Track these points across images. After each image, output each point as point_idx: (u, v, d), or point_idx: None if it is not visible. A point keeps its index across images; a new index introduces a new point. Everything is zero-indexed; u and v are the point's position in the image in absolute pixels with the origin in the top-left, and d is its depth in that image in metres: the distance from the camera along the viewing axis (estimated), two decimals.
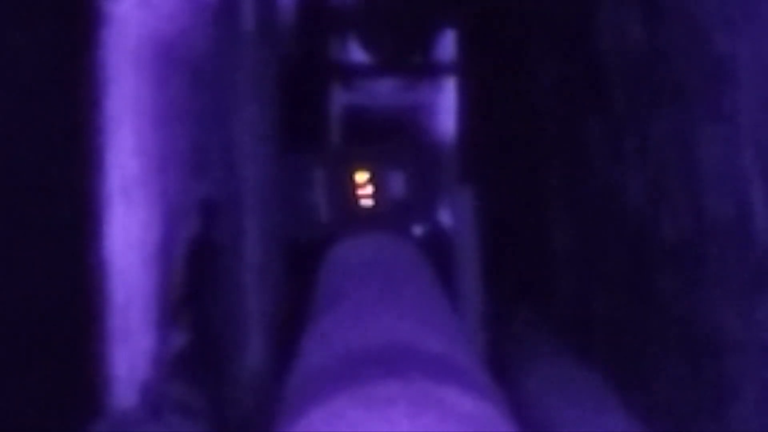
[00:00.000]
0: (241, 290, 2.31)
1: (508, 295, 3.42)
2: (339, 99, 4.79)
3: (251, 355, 2.31)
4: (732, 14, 1.79)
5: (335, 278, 2.08)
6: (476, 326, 2.98)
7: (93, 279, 2.05)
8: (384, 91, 4.98)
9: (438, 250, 3.01)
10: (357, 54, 4.82)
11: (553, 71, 3.16)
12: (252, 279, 2.33)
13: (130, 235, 2.08)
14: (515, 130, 3.69)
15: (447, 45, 4.74)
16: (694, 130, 1.98)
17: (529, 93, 3.50)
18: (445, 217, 3.29)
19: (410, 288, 1.81)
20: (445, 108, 4.75)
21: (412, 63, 4.83)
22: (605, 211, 2.59)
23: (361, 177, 3.25)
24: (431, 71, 4.86)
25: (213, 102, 2.38)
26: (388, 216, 3.21)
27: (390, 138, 4.55)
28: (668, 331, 2.16)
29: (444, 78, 4.81)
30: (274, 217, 2.52)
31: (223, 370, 2.29)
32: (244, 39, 2.47)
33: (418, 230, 3.23)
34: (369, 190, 3.25)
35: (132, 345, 2.21)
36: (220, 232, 2.26)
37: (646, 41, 2.27)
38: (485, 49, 4.22)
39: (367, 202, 3.24)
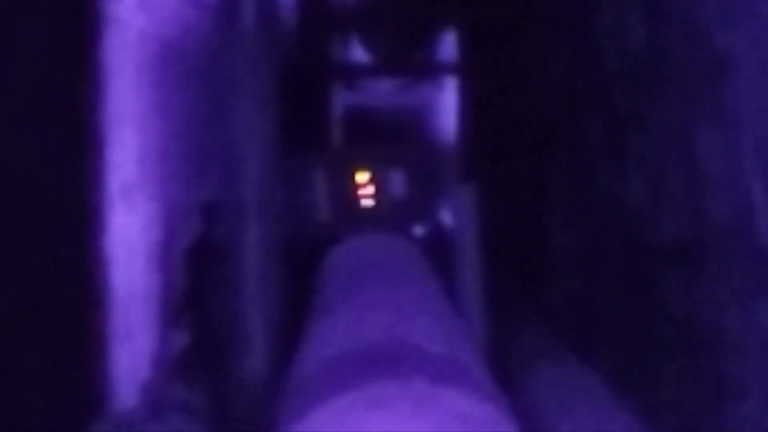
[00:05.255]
0: (241, 291, 2.31)
1: (508, 295, 3.42)
2: (340, 99, 4.79)
3: (252, 356, 2.31)
4: (732, 14, 1.79)
5: (336, 278, 2.08)
6: (477, 326, 2.98)
7: (94, 279, 2.05)
8: (385, 91, 4.99)
9: (439, 250, 3.01)
10: (358, 54, 4.82)
11: (554, 71, 3.16)
12: (253, 279, 2.33)
13: (130, 235, 2.08)
14: (516, 129, 3.69)
15: (447, 45, 4.74)
16: (695, 129, 1.98)
17: (530, 93, 3.50)
18: (445, 216, 3.29)
19: (411, 288, 1.80)
20: (446, 108, 4.75)
21: (413, 63, 4.84)
22: (606, 210, 2.59)
23: (362, 177, 3.25)
24: (432, 71, 4.86)
25: (214, 102, 2.38)
26: (389, 216, 3.21)
27: (391, 138, 4.55)
28: (669, 330, 2.16)
29: (444, 78, 4.81)
30: (275, 217, 2.52)
31: (224, 371, 2.29)
32: (245, 39, 2.47)
33: (419, 230, 3.23)
34: (370, 190, 3.25)
35: (133, 345, 2.22)
36: (221, 233, 2.26)
37: (646, 41, 2.27)
38: (485, 49, 4.22)
39: (368, 202, 3.23)
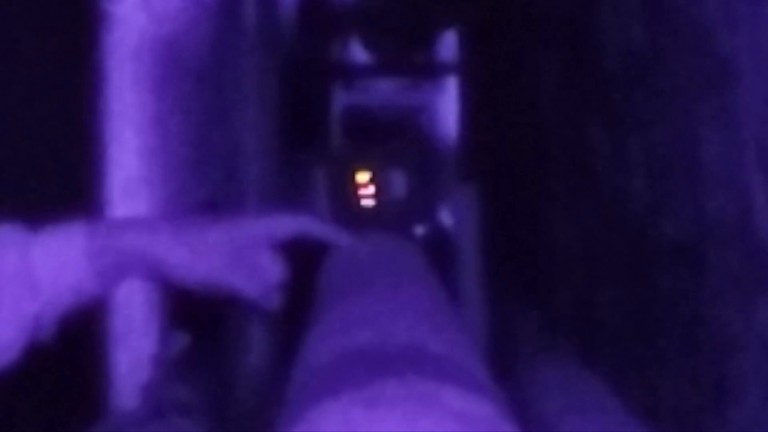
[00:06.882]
0: None
1: (509, 295, 3.42)
2: (340, 99, 4.80)
3: (252, 356, 2.31)
4: (732, 14, 1.79)
5: (336, 278, 2.07)
6: (477, 326, 2.98)
7: None
8: (385, 91, 4.99)
9: (439, 250, 3.01)
10: (358, 54, 4.83)
11: (554, 71, 3.16)
12: None
13: None
14: (516, 130, 3.69)
15: (448, 45, 4.74)
16: (696, 129, 1.98)
17: (530, 93, 3.50)
18: (446, 216, 3.29)
19: (411, 288, 1.80)
20: (446, 108, 4.76)
21: (413, 63, 4.84)
22: (606, 210, 2.59)
23: (363, 177, 3.25)
24: (432, 71, 4.87)
25: (214, 102, 2.38)
26: (389, 216, 3.21)
27: (391, 138, 4.55)
28: (670, 330, 2.16)
29: (445, 78, 4.82)
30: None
31: (224, 371, 2.29)
32: (246, 40, 2.47)
33: (419, 230, 3.23)
34: (370, 190, 3.25)
35: (133, 345, 2.21)
36: None
37: (646, 41, 2.27)
38: (486, 49, 4.22)
39: (368, 202, 3.24)
